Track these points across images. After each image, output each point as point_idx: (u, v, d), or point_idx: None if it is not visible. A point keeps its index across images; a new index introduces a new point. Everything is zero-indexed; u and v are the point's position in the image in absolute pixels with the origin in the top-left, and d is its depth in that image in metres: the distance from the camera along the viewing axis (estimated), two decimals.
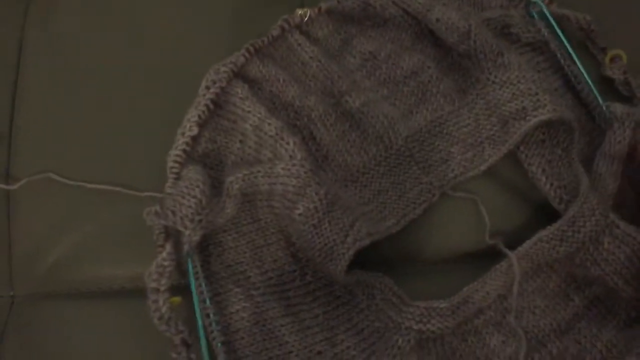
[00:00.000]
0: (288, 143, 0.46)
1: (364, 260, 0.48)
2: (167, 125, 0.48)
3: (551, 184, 0.51)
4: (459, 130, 0.52)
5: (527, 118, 0.50)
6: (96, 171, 0.51)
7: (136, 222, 0.46)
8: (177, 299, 0.43)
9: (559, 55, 0.53)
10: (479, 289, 0.47)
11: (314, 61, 0.51)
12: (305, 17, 0.52)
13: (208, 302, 0.45)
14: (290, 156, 0.46)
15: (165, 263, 0.43)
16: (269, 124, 0.47)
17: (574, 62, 0.53)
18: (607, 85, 0.54)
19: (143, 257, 0.46)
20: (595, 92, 0.52)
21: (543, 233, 0.47)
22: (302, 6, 0.53)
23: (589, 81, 0.52)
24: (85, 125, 0.53)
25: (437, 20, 0.51)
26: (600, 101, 0.51)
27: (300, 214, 0.45)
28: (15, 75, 0.56)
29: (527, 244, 0.47)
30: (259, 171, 0.46)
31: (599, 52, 0.54)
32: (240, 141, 0.49)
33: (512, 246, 0.48)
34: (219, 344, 0.43)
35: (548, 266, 0.50)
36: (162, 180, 0.47)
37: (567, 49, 0.52)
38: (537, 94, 0.50)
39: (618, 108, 0.50)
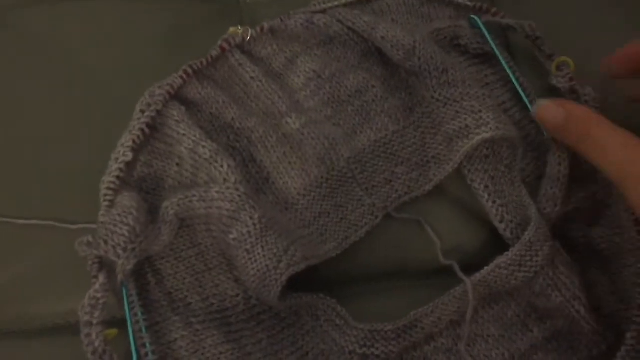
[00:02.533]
0: (222, 166, 0.45)
1: (308, 280, 0.47)
2: (99, 153, 0.47)
3: (494, 202, 0.49)
4: (404, 150, 0.51)
5: (470, 136, 0.49)
6: (25, 206, 0.50)
7: (68, 257, 0.45)
8: (112, 332, 0.42)
9: (505, 67, 0.52)
10: (429, 313, 0.46)
11: (255, 81, 0.50)
12: (247, 36, 0.51)
13: (144, 331, 0.44)
14: (225, 179, 0.45)
15: (99, 295, 0.42)
16: (204, 146, 0.46)
17: (522, 74, 0.51)
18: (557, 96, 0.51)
19: (77, 293, 0.44)
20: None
21: (501, 260, 0.46)
22: (241, 25, 0.52)
23: (523, 93, 0.51)
24: (11, 159, 0.52)
25: (382, 38, 0.50)
26: None
27: (234, 239, 0.44)
28: None
29: (485, 271, 0.46)
30: (194, 195, 0.45)
31: (547, 60, 0.52)
32: (177, 164, 0.48)
33: (471, 263, 0.47)
34: None
35: (508, 294, 0.49)
36: (96, 212, 0.46)
37: (505, 62, 0.51)
38: (480, 111, 0.49)
39: None
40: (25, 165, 0.52)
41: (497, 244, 0.49)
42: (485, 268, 0.46)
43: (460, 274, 0.47)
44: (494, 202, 0.49)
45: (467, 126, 0.49)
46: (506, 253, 0.46)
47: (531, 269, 0.46)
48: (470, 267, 0.48)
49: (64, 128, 0.52)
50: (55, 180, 0.51)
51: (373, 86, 0.52)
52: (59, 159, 0.51)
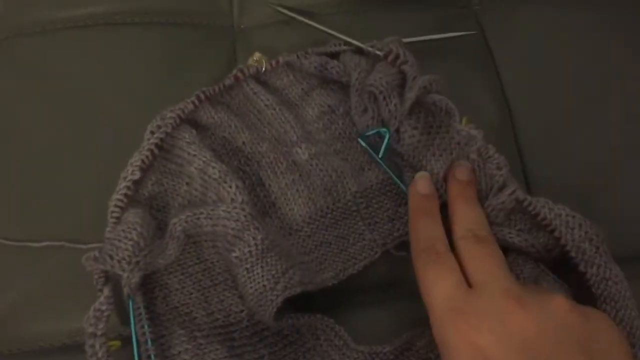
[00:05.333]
0: (230, 186, 0.47)
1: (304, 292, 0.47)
2: (105, 175, 0.48)
3: None
4: None
5: None
6: (37, 227, 0.51)
7: (78, 276, 0.46)
8: (116, 343, 0.43)
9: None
10: (420, 335, 0.47)
11: (269, 109, 0.52)
12: (262, 68, 0.53)
13: (150, 343, 0.44)
14: (232, 199, 0.46)
15: (103, 307, 0.43)
16: (213, 167, 0.47)
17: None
18: None
19: (84, 312, 0.44)
20: None
21: None
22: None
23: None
24: (22, 181, 0.54)
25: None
26: None
27: (236, 257, 0.45)
28: None
29: None
30: (201, 213, 0.46)
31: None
32: (187, 183, 0.49)
33: None
34: None
35: None
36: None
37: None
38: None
39: None
40: (36, 188, 0.53)
41: None
42: None
43: None
44: None
45: None
46: None
47: None
48: None
49: (69, 151, 0.54)
50: (66, 202, 0.52)
51: None
52: (68, 181, 0.53)
